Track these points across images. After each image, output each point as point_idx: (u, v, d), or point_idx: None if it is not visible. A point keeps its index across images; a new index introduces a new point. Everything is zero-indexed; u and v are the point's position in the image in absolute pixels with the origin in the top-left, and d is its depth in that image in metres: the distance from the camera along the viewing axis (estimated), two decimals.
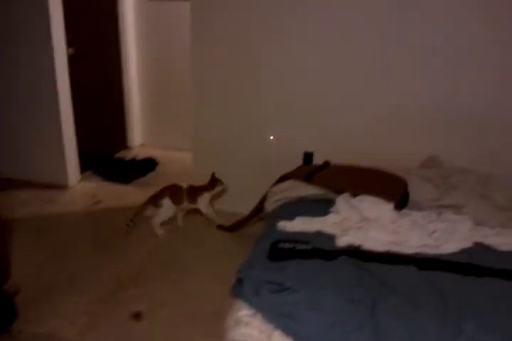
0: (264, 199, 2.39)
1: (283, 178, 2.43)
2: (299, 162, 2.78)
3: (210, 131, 3.00)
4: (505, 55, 2.46)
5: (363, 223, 1.98)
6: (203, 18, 2.76)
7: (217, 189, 2.86)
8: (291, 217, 2.00)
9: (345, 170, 2.43)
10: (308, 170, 2.43)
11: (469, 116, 2.57)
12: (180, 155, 4.05)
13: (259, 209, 2.50)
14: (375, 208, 2.07)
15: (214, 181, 2.84)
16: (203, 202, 2.84)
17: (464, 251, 1.81)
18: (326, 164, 2.56)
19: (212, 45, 2.81)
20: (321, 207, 2.13)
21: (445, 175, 2.43)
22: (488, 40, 2.45)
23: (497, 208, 2.16)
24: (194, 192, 2.82)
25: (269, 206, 2.27)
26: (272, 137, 2.87)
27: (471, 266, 1.68)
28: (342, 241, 1.81)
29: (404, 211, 2.13)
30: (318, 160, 2.68)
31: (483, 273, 1.63)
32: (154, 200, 2.75)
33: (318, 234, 1.87)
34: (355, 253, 1.72)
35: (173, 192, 2.78)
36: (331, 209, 2.09)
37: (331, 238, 1.85)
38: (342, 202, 2.13)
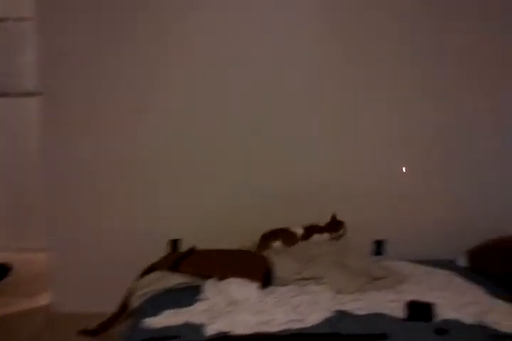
0: (128, 295, 2.29)
1: (148, 270, 2.37)
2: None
3: (67, 229, 2.86)
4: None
5: (232, 307, 1.99)
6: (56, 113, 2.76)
7: (340, 233, 2.68)
8: (158, 312, 1.94)
9: (211, 255, 2.45)
10: (173, 258, 2.41)
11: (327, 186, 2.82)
12: (37, 256, 3.74)
13: (124, 306, 2.38)
14: (242, 290, 2.10)
15: (336, 223, 2.67)
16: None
17: (326, 321, 1.89)
18: (192, 250, 2.56)
19: (66, 140, 2.78)
20: (190, 295, 2.11)
21: (306, 248, 2.58)
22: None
23: (354, 275, 2.32)
24: (310, 233, 2.65)
25: (135, 302, 2.18)
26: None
27: (333, 335, 1.75)
28: (211, 330, 1.78)
29: (270, 288, 2.19)
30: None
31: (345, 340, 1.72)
32: (265, 240, 2.61)
33: (187, 326, 1.83)
34: (224, 340, 1.70)
35: (287, 236, 2.63)
36: (199, 297, 2.08)
37: (200, 327, 1.82)
38: (209, 287, 2.14)
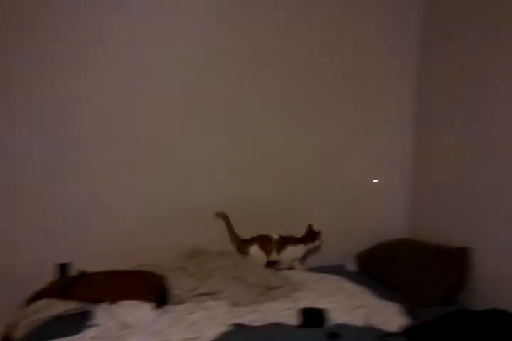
0: (11, 326, 2.11)
1: (33, 298, 2.21)
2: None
3: None
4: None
5: (124, 330, 1.92)
6: None
7: (317, 243, 2.75)
8: None
9: (102, 278, 2.33)
10: (61, 284, 2.27)
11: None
12: None
13: (7, 339, 2.19)
14: (135, 311, 2.03)
15: (312, 234, 2.73)
16: (288, 254, 2.70)
17: (224, 335, 1.89)
18: (83, 274, 2.43)
19: None
20: (79, 322, 1.99)
21: (202, 263, 2.55)
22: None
23: (250, 287, 2.34)
24: (285, 242, 2.69)
25: (19, 332, 2.01)
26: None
27: None
28: None
29: (166, 307, 2.14)
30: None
31: None
32: (242, 246, 2.67)
33: None
34: None
35: (263, 240, 2.67)
36: (89, 323, 1.97)
37: None
38: (101, 312, 2.04)
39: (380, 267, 2.60)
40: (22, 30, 2.47)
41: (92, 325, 1.96)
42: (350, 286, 2.46)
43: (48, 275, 2.50)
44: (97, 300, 2.11)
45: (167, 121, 2.71)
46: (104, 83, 2.61)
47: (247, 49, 2.76)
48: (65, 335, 1.87)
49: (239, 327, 1.97)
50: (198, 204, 2.75)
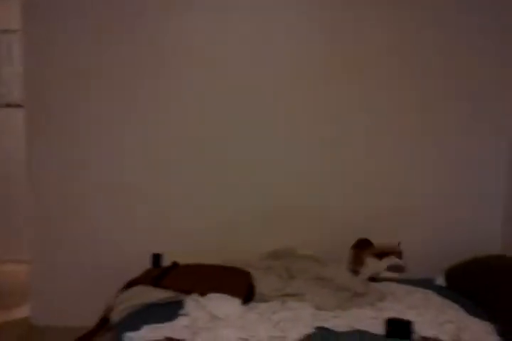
0: (109, 309, 2.28)
1: (130, 284, 2.36)
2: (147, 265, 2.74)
3: (49, 242, 2.85)
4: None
5: (213, 322, 2.00)
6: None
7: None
8: (138, 327, 1.93)
9: (194, 270, 2.46)
10: (156, 273, 2.41)
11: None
12: (18, 268, 3.68)
13: (105, 320, 2.36)
14: (224, 305, 2.11)
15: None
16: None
17: (307, 338, 1.91)
18: (175, 265, 2.56)
19: (52, 151, 2.82)
20: (172, 310, 2.10)
21: (288, 264, 2.59)
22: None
23: (335, 291, 2.33)
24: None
25: (116, 316, 2.16)
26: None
27: None
28: None
29: (251, 304, 2.20)
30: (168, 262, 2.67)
31: None
32: (358, 259, 2.67)
33: None
34: None
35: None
36: (181, 312, 2.08)
37: None
38: (191, 303, 2.14)
39: (472, 284, 2.48)
40: None
41: (183, 315, 2.05)
42: (438, 300, 2.37)
43: (142, 265, 2.66)
44: (188, 291, 2.22)
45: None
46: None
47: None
48: (158, 322, 1.98)
49: (323, 331, 1.97)
50: (286, 205, 2.81)
